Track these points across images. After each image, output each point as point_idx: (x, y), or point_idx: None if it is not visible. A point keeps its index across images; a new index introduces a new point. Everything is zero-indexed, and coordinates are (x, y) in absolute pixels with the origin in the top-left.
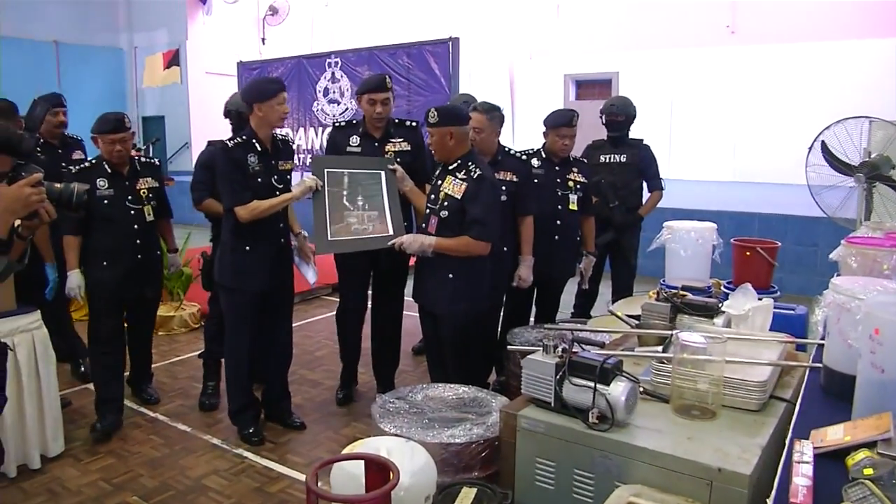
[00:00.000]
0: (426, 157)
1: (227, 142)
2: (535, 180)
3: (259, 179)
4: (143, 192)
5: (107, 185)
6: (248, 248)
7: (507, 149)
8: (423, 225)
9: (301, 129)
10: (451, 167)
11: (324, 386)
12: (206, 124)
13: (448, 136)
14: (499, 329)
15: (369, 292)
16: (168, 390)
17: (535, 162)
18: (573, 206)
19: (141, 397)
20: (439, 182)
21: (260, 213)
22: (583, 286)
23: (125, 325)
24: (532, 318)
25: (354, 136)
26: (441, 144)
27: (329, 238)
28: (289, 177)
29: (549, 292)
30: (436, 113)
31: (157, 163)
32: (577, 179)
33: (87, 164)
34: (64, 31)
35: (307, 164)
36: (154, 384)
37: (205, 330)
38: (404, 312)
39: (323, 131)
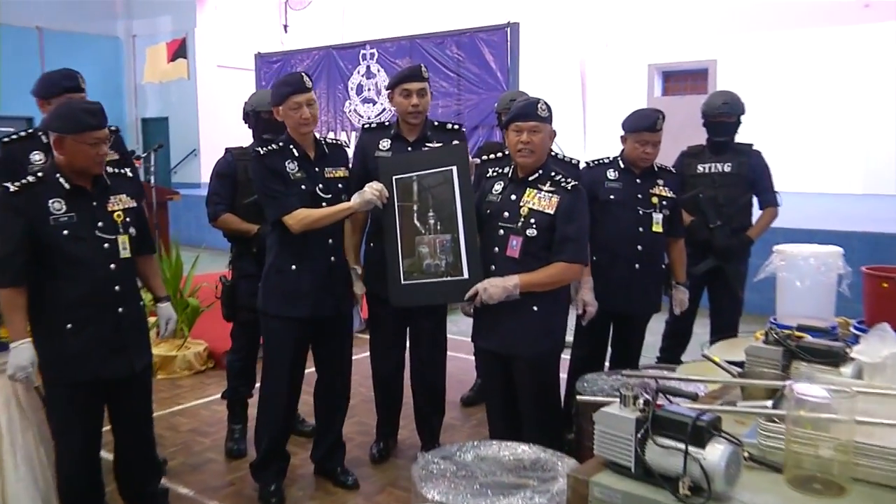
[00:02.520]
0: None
1: (260, 149)
2: (612, 196)
3: (303, 187)
4: (118, 217)
5: (64, 209)
6: (293, 266)
7: (554, 153)
8: (497, 249)
9: (331, 134)
10: (531, 178)
11: (355, 441)
12: (218, 128)
13: (550, 136)
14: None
15: (407, 329)
16: (168, 445)
17: (610, 173)
18: (658, 227)
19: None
20: (513, 196)
21: (311, 223)
22: (671, 321)
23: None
24: (607, 363)
25: (385, 140)
26: (543, 147)
27: (403, 281)
28: (340, 186)
29: (629, 331)
30: (546, 106)
31: (132, 174)
32: (663, 194)
33: (32, 177)
34: (49, 15)
35: None
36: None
37: (228, 365)
38: (448, 353)
39: (357, 136)
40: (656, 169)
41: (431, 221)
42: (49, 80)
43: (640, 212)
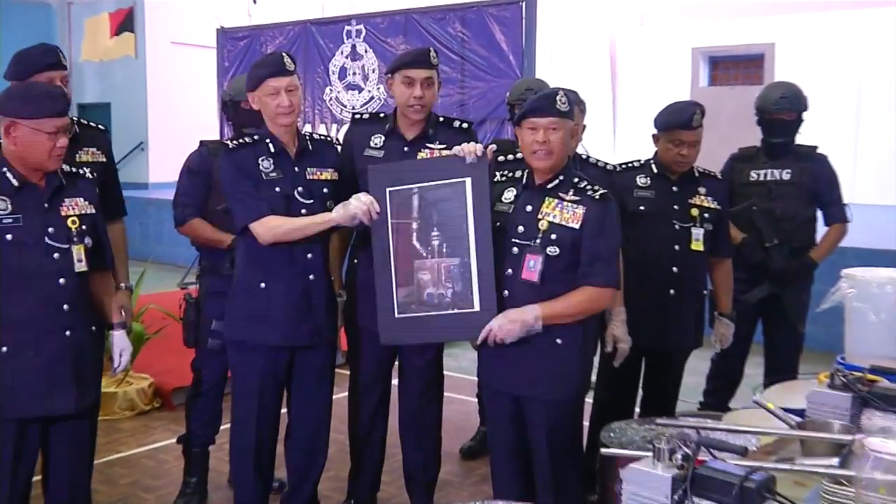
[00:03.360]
0: None
1: (229, 142)
2: (642, 207)
3: (277, 189)
4: (73, 223)
5: (9, 209)
6: (262, 284)
7: (584, 156)
8: (510, 271)
9: (308, 125)
10: (550, 185)
11: (331, 500)
12: (171, 117)
13: (573, 134)
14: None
15: (396, 363)
16: (103, 503)
17: (641, 180)
18: (698, 245)
19: None
20: (528, 206)
21: (282, 233)
22: (716, 359)
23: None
24: (638, 408)
25: (377, 136)
26: (562, 147)
27: (396, 314)
28: (326, 190)
29: (663, 371)
30: (567, 99)
31: (89, 173)
32: (705, 205)
33: None
34: None
35: None
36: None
37: (187, 403)
38: (446, 393)
39: (339, 130)
40: (697, 174)
41: (436, 242)
42: (27, 58)
43: (677, 226)
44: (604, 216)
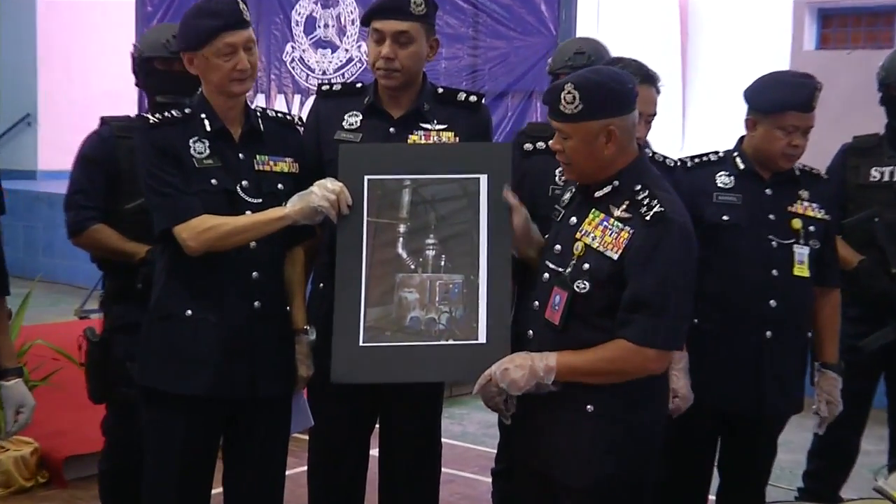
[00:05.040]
0: None
1: (150, 118)
2: (725, 217)
3: (213, 181)
4: None
5: None
6: (188, 311)
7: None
8: (537, 303)
9: (261, 96)
10: (597, 193)
11: None
12: (70, 83)
13: (604, 136)
14: None
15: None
16: None
17: (722, 179)
18: (802, 270)
19: None
20: (573, 219)
21: (218, 238)
22: (820, 432)
23: None
24: (712, 496)
25: (354, 113)
26: (588, 154)
27: (361, 342)
28: (282, 187)
29: (751, 444)
30: (577, 92)
31: None
32: (810, 214)
33: None
34: None
35: None
36: None
37: (100, 478)
38: (445, 468)
39: (304, 101)
40: (798, 172)
41: (431, 253)
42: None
43: (774, 243)
44: (656, 245)
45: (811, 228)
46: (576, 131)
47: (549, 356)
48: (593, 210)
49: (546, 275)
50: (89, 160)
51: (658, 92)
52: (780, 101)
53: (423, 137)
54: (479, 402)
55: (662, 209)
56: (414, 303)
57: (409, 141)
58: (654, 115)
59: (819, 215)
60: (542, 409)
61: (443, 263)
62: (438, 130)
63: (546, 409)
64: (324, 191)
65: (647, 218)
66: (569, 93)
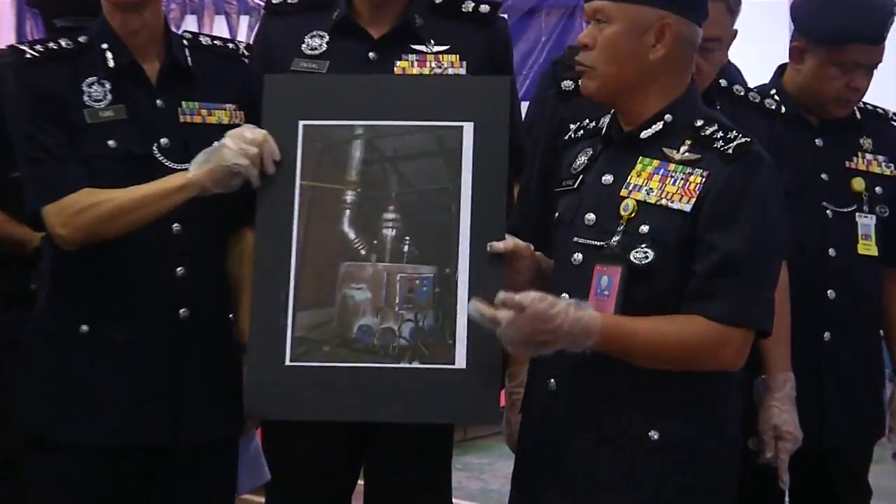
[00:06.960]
0: (516, 108)
1: (26, 49)
2: None
3: (112, 144)
4: None
5: None
6: (84, 327)
7: (725, 84)
8: (566, 296)
9: (191, 18)
10: (644, 134)
11: None
12: None
13: (655, 32)
14: None
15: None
16: None
17: (759, 123)
18: (868, 247)
19: None
20: (606, 176)
21: (95, 222)
22: None
23: None
24: None
25: (318, 33)
26: (628, 52)
27: (288, 361)
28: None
29: (832, 480)
30: None
31: None
32: (875, 171)
33: None
34: None
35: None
36: None
37: None
38: None
39: (253, 24)
40: (858, 115)
41: (390, 232)
42: None
43: (829, 212)
44: (744, 188)
45: (878, 190)
46: (621, 14)
47: (591, 316)
48: (640, 159)
49: (577, 255)
50: None
51: (733, 12)
52: (841, 28)
53: (416, 65)
54: (505, 447)
55: (747, 139)
56: (364, 305)
57: (395, 70)
58: (718, 41)
59: (889, 171)
60: (582, 433)
61: (406, 249)
62: (437, 54)
63: (588, 434)
64: (240, 143)
65: (729, 151)
66: None
